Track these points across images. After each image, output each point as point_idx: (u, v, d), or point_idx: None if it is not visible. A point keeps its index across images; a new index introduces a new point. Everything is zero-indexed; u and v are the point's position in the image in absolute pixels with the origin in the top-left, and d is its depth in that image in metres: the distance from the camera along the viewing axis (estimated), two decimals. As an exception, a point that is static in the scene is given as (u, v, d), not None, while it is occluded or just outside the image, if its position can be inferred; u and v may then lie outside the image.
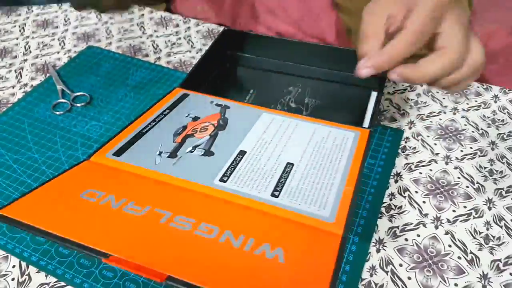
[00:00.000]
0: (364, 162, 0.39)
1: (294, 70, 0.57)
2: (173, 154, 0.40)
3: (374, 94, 0.53)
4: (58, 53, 0.65)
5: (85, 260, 0.40)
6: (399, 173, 0.47)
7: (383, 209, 0.43)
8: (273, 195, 0.35)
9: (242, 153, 0.40)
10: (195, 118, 0.45)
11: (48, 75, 0.60)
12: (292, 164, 0.38)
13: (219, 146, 0.41)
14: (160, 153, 0.40)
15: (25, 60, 0.64)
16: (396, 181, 0.46)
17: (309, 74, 0.57)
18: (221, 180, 0.37)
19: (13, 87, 0.59)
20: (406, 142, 0.50)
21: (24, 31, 0.70)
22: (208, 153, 0.40)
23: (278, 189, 0.36)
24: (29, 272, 0.40)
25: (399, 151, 0.49)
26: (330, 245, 0.31)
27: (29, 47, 0.66)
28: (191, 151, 0.40)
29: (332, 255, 0.30)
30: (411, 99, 0.55)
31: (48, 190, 0.35)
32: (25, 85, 0.59)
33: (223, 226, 0.32)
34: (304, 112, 0.52)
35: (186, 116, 0.45)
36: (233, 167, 0.38)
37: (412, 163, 0.47)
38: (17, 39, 0.68)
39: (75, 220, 0.32)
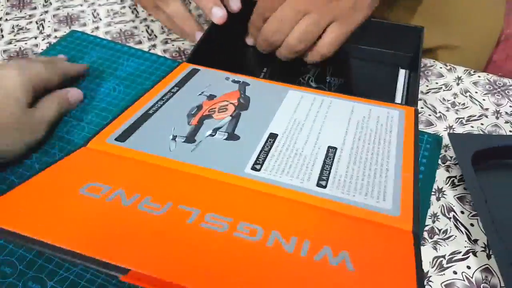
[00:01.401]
0: (417, 145, 0.33)
1: None
2: (190, 139, 0.33)
3: (402, 72, 0.48)
4: (35, 38, 0.56)
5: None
6: (441, 188, 0.39)
7: (425, 234, 0.36)
8: (319, 185, 0.29)
9: (273, 136, 0.34)
10: (211, 97, 0.38)
11: (23, 63, 0.52)
12: (335, 148, 0.33)
13: (244, 128, 0.34)
14: (174, 137, 0.33)
15: (-3, 46, 0.55)
16: (438, 199, 0.38)
17: None
18: (254, 168, 0.31)
19: (-19, 77, 0.50)
20: (446, 151, 0.42)
21: (-3, 12, 0.61)
22: (232, 136, 0.34)
23: (324, 177, 0.30)
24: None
25: (439, 161, 0.41)
26: (404, 245, 0.25)
27: (1, 30, 0.57)
28: (211, 135, 0.34)
29: (409, 258, 0.24)
30: (448, 100, 0.47)
31: (37, 186, 0.27)
32: (-4, 74, 0.51)
33: (268, 225, 0.25)
34: None
35: (200, 94, 0.38)
36: (265, 152, 0.32)
37: (455, 177, 0.40)
38: (-11, 21, 0.59)
39: (77, 223, 0.24)
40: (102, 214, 0.25)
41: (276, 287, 0.21)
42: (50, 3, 0.62)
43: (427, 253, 0.35)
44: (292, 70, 0.48)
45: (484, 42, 0.61)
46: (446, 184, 0.40)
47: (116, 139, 0.33)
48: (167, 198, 0.27)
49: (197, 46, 0.46)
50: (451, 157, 0.42)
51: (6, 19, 0.59)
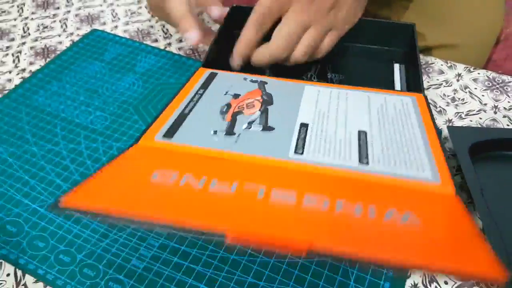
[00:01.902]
0: (435, 126, 0.37)
1: None
2: (230, 132, 0.36)
3: (397, 66, 0.51)
4: (59, 36, 0.59)
5: (88, 270, 0.35)
6: (439, 177, 0.42)
7: (424, 218, 0.39)
8: (362, 162, 0.32)
9: (305, 125, 0.37)
10: (236, 96, 0.41)
11: (48, 59, 0.55)
12: (365, 132, 0.36)
13: (275, 120, 0.37)
14: (215, 132, 0.36)
15: (24, 43, 0.58)
16: (436, 187, 0.41)
17: None
18: (296, 152, 0.33)
19: (10, 72, 0.54)
20: (445, 143, 0.45)
21: (22, 11, 0.64)
22: (267, 128, 0.37)
23: (364, 155, 0.33)
24: (25, 282, 0.35)
25: (438, 152, 0.44)
26: (453, 205, 0.29)
27: (28, 29, 0.61)
28: (248, 128, 0.37)
29: (465, 217, 0.27)
30: (448, 95, 0.50)
31: (108, 176, 0.30)
32: (23, 70, 0.54)
33: (332, 195, 0.28)
34: None
35: (225, 94, 0.41)
36: (302, 139, 0.35)
37: (454, 167, 0.43)
38: (15, 20, 0.62)
39: (165, 203, 0.27)
40: (182, 196, 0.28)
41: (366, 242, 0.24)
42: (72, 3, 0.65)
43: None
44: (293, 69, 0.50)
45: (483, 41, 0.63)
46: (444, 173, 0.42)
47: (164, 136, 0.35)
48: (231, 179, 0.30)
49: (210, 50, 0.48)
50: (450, 148, 0.44)
51: (32, 18, 0.63)
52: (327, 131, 0.36)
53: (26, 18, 0.63)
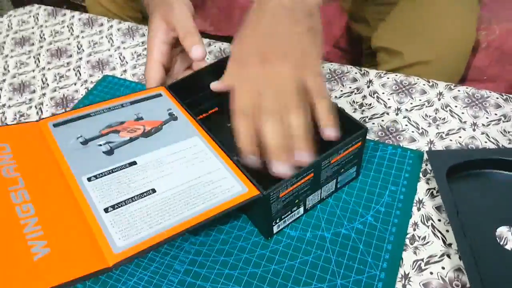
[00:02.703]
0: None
1: None
2: (86, 142, 0.44)
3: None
4: (75, 84, 0.66)
5: None
6: (421, 200, 0.47)
7: (407, 241, 0.44)
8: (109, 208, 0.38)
9: (132, 163, 0.42)
10: (139, 119, 0.47)
11: (67, 108, 0.62)
12: (154, 190, 0.40)
13: (124, 150, 0.43)
14: (78, 137, 0.44)
15: (44, 95, 0.65)
16: (418, 209, 0.46)
17: None
18: (89, 179, 0.40)
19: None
20: (427, 165, 0.50)
21: (39, 61, 0.70)
22: (110, 152, 0.43)
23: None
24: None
25: (420, 175, 0.49)
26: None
27: (46, 79, 0.67)
28: (99, 145, 0.43)
29: None
30: (430, 116, 0.55)
31: None
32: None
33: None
34: None
35: (134, 114, 0.47)
36: (110, 172, 0.41)
37: (434, 188, 0.48)
38: (33, 71, 0.69)
39: None
40: None
41: None
42: (83, 50, 0.71)
43: (408, 257, 0.43)
44: None
45: (457, 53, 0.66)
46: (426, 196, 0.47)
47: (54, 125, 0.45)
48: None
49: (186, 77, 0.51)
50: (430, 170, 0.49)
51: (49, 68, 0.69)
52: (135, 177, 0.40)
53: (43, 68, 0.69)
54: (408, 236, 0.44)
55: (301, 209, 0.45)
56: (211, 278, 0.43)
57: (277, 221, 0.43)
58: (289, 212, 0.43)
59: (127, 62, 0.68)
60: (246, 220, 0.46)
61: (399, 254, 0.43)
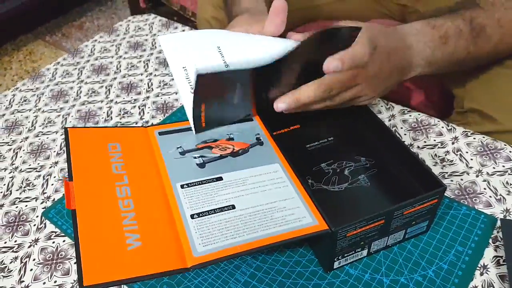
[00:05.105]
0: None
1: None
2: (184, 153, 0.49)
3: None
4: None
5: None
6: (486, 265, 0.47)
7: (465, 303, 0.45)
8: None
9: (219, 178, 0.46)
10: (230, 139, 0.51)
11: (167, 114, 0.68)
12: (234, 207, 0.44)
13: (214, 165, 0.48)
14: (178, 147, 0.49)
15: (147, 98, 0.72)
16: (481, 274, 0.46)
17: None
18: (182, 186, 0.45)
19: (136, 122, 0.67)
20: (498, 232, 0.50)
21: (148, 67, 0.78)
22: (202, 165, 0.48)
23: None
24: None
25: (490, 241, 0.49)
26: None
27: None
28: (194, 157, 0.48)
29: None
30: (510, 184, 0.54)
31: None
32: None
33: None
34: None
35: (227, 134, 0.52)
36: (200, 183, 0.45)
37: (501, 257, 0.48)
38: (141, 74, 0.76)
39: None
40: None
41: None
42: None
43: (463, 319, 0.43)
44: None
45: None
46: (492, 262, 0.47)
47: (159, 133, 0.51)
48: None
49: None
50: (501, 238, 0.49)
51: (155, 75, 0.76)
52: (217, 192, 0.45)
53: (150, 73, 0.77)
54: (466, 298, 0.45)
55: (365, 252, 0.47)
56: (269, 296, 0.46)
57: (339, 257, 0.45)
58: (353, 252, 0.46)
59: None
60: (308, 249, 0.49)
61: (454, 314, 0.44)
